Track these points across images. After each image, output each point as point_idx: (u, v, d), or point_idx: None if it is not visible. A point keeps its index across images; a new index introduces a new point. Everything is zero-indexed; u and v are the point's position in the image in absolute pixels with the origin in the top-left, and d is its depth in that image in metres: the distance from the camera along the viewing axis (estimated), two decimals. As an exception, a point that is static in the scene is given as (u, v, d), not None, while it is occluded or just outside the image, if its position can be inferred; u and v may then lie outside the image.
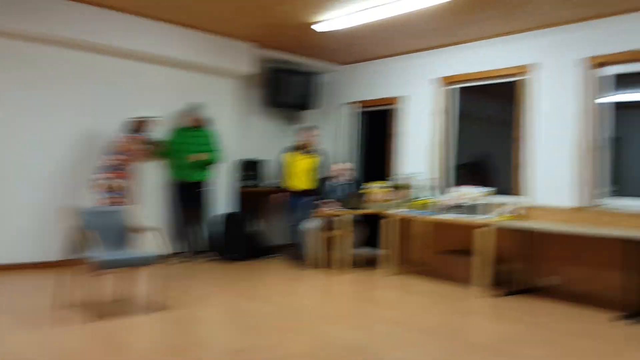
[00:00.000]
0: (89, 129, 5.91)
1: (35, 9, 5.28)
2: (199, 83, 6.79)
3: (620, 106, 5.26)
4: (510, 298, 5.09)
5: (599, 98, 5.29)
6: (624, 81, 5.22)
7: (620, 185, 5.27)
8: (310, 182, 6.47)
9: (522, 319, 4.33)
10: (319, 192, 6.46)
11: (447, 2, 4.97)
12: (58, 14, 5.42)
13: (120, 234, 4.36)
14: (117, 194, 5.53)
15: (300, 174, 6.49)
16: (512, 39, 5.90)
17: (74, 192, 5.81)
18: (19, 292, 4.58)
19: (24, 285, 4.85)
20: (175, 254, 6.46)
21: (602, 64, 5.24)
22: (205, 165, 6.40)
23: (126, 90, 6.18)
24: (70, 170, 5.81)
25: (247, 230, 6.62)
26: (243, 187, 7.12)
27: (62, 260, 5.72)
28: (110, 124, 5.98)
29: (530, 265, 5.58)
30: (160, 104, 6.44)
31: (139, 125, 5.77)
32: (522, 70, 5.78)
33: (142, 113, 5.77)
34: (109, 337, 3.44)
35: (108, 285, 4.96)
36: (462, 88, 6.54)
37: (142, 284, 5.08)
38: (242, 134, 7.45)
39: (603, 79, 5.28)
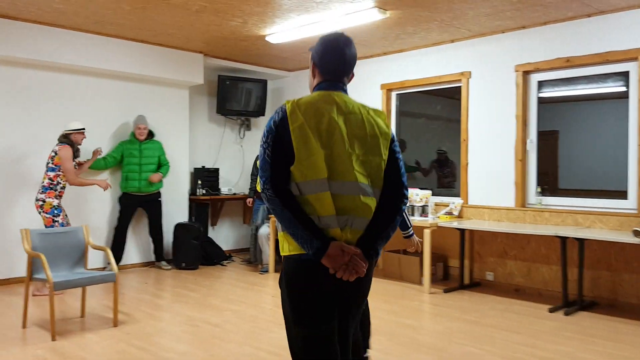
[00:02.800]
0: (37, 145, 5.91)
1: (-22, 27, 5.26)
2: (149, 94, 6.85)
3: (548, 100, 5.64)
4: (453, 294, 5.42)
5: (528, 101, 5.66)
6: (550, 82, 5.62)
7: (553, 181, 5.68)
8: None
9: (463, 316, 4.65)
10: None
11: (385, 18, 5.23)
12: (6, 34, 5.40)
13: (71, 253, 4.44)
14: (50, 213, 5.32)
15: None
16: (447, 47, 6.21)
17: (15, 210, 5.81)
18: (-28, 313, 4.60)
19: (-22, 305, 4.87)
20: (121, 267, 6.54)
21: (528, 72, 5.60)
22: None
23: (74, 104, 6.20)
24: (16, 188, 5.81)
25: (199, 238, 6.72)
26: (196, 195, 7.23)
27: (12, 279, 5.75)
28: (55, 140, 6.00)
29: (471, 262, 5.94)
30: (110, 116, 6.49)
31: (71, 139, 5.54)
32: (458, 77, 6.09)
33: (73, 125, 5.57)
34: (66, 356, 3.55)
35: (61, 304, 5.03)
36: (406, 93, 6.84)
37: (96, 300, 5.17)
38: (194, 143, 7.56)
39: (530, 84, 5.64)
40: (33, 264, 4.17)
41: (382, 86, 6.83)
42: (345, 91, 2.13)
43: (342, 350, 2.03)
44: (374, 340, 3.92)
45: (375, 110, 2.11)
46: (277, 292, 5.51)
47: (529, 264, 5.53)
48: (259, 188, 1.99)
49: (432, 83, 6.41)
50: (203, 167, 7.41)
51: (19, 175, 5.80)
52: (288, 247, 1.99)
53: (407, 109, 6.96)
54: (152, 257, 6.83)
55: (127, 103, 6.66)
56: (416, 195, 5.94)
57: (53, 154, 5.41)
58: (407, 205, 5.40)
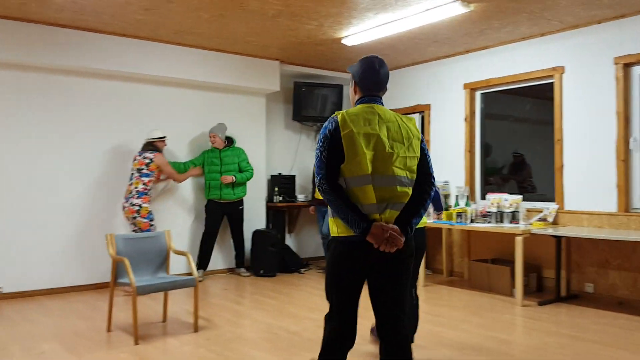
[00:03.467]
0: (121, 154, 6.10)
1: (68, 43, 5.49)
2: (227, 103, 6.92)
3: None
4: (548, 307, 5.00)
5: (630, 96, 5.15)
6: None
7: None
8: None
9: (560, 330, 4.25)
10: None
11: (469, 11, 4.95)
12: (89, 47, 5.62)
13: (153, 258, 4.47)
14: (147, 218, 5.64)
15: None
16: (538, 42, 5.80)
17: (105, 217, 6.00)
18: (60, 316, 4.75)
19: (65, 309, 5.02)
20: (207, 273, 6.59)
21: (629, 64, 5.10)
22: (236, 184, 6.48)
23: (154, 114, 6.35)
24: (102, 195, 5.99)
25: (276, 245, 6.66)
26: (273, 202, 7.20)
27: (99, 284, 5.93)
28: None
29: (568, 272, 5.46)
30: (189, 125, 6.60)
31: (156, 145, 5.82)
32: (550, 73, 5.67)
33: (155, 134, 5.82)
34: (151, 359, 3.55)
35: (145, 308, 5.09)
36: (493, 91, 6.47)
37: (178, 305, 5.20)
38: (271, 150, 7.55)
39: (632, 77, 5.14)
40: (117, 268, 4.23)
41: (465, 85, 6.51)
42: (382, 103, 2.57)
43: (386, 329, 2.48)
44: (462, 353, 3.64)
45: (407, 118, 2.58)
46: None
47: (635, 274, 5.00)
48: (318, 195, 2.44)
49: (520, 80, 6.01)
50: (280, 174, 7.38)
51: (108, 183, 5.99)
52: (337, 230, 2.46)
53: (492, 110, 6.59)
54: (234, 264, 6.86)
55: (206, 112, 6.75)
56: (505, 201, 5.56)
57: (148, 160, 5.67)
58: (486, 207, 5.46)
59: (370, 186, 2.36)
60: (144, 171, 5.66)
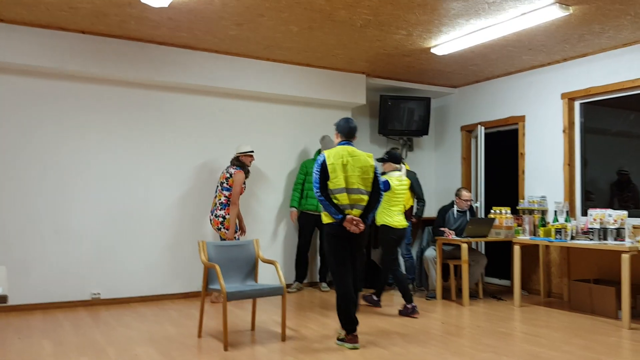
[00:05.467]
0: (210, 167, 6.29)
1: (164, 60, 5.77)
2: (313, 117, 6.98)
3: None
4: (663, 333, 4.53)
5: None
6: None
7: None
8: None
9: (680, 357, 3.82)
10: (418, 212, 6.49)
11: (567, 15, 4.68)
12: (184, 63, 5.88)
13: (243, 266, 4.52)
14: (236, 229, 5.80)
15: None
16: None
17: (196, 228, 6.17)
18: (153, 322, 4.89)
19: (158, 316, 5.18)
20: (296, 283, 6.58)
21: None
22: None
23: (244, 128, 6.51)
24: (192, 207, 6.18)
25: (362, 260, 6.54)
26: (360, 216, 7.11)
27: (190, 293, 6.08)
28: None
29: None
30: (277, 140, 6.70)
31: (241, 160, 5.88)
32: (660, 78, 5.25)
33: (243, 148, 5.90)
34: (236, 367, 3.55)
35: (234, 317, 5.14)
36: (592, 102, 6.08)
37: (266, 314, 5.21)
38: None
39: None
40: (208, 275, 4.30)
41: (563, 95, 6.16)
42: (352, 145, 4.28)
43: (352, 274, 4.15)
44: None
45: (367, 154, 4.25)
46: (447, 318, 5.08)
47: None
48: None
49: (624, 88, 5.60)
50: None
51: (198, 195, 6.19)
52: (326, 219, 4.14)
53: (592, 124, 6.16)
54: (316, 278, 6.84)
55: (293, 126, 6.83)
56: (609, 217, 5.15)
57: (228, 175, 5.74)
58: (588, 223, 4.93)
59: (345, 194, 4.09)
60: (225, 185, 5.77)
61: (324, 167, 4.07)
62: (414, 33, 5.32)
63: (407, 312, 5.18)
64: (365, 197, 4.12)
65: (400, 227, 5.25)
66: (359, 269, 4.26)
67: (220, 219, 5.70)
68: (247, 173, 5.86)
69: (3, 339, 4.24)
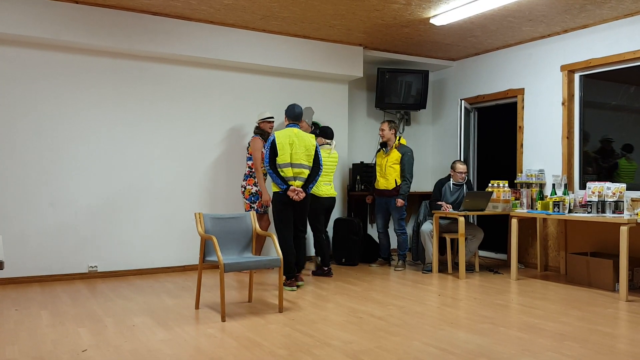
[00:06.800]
0: (205, 141, 6.23)
1: (158, 30, 5.66)
2: (310, 90, 6.90)
3: None
4: (658, 304, 4.56)
5: None
6: None
7: None
8: (392, 181, 6.23)
9: (675, 327, 3.84)
10: (400, 191, 6.19)
11: (571, -19, 4.60)
12: (178, 34, 5.77)
13: (240, 238, 4.50)
14: (248, 200, 5.83)
15: (381, 173, 6.32)
16: (648, 16, 5.32)
17: (194, 202, 6.14)
18: (154, 294, 4.89)
19: (155, 288, 5.18)
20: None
21: None
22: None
23: (239, 101, 6.43)
24: (190, 182, 6.14)
25: (358, 234, 6.54)
26: (355, 191, 7.09)
27: (187, 266, 6.08)
28: (233, 134, 6.28)
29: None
30: (274, 112, 6.63)
31: (261, 127, 5.93)
32: (661, 49, 5.18)
33: (262, 115, 5.94)
34: (234, 335, 3.55)
35: (232, 290, 5.15)
36: (591, 75, 6.02)
37: (263, 287, 5.22)
38: (353, 138, 7.45)
39: None
40: (205, 247, 4.29)
41: (563, 67, 6.09)
42: (298, 127, 5.07)
43: (295, 234, 5.08)
44: (563, 345, 3.37)
45: (310, 135, 5.05)
46: (444, 290, 5.10)
47: None
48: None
49: (625, 60, 5.54)
50: (362, 162, 7.25)
51: (196, 170, 6.14)
52: (274, 188, 4.96)
53: (591, 98, 6.11)
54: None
55: (288, 99, 6.75)
56: (607, 189, 5.13)
57: (247, 144, 5.97)
58: (586, 196, 4.85)
59: (290, 168, 4.88)
60: (247, 155, 5.94)
61: (273, 145, 4.87)
62: (413, 2, 5.22)
63: (323, 272, 5.79)
64: (307, 171, 4.97)
65: (325, 195, 5.80)
66: (300, 228, 5.10)
67: (242, 189, 5.89)
68: (266, 139, 5.87)
69: (0, 310, 4.23)
